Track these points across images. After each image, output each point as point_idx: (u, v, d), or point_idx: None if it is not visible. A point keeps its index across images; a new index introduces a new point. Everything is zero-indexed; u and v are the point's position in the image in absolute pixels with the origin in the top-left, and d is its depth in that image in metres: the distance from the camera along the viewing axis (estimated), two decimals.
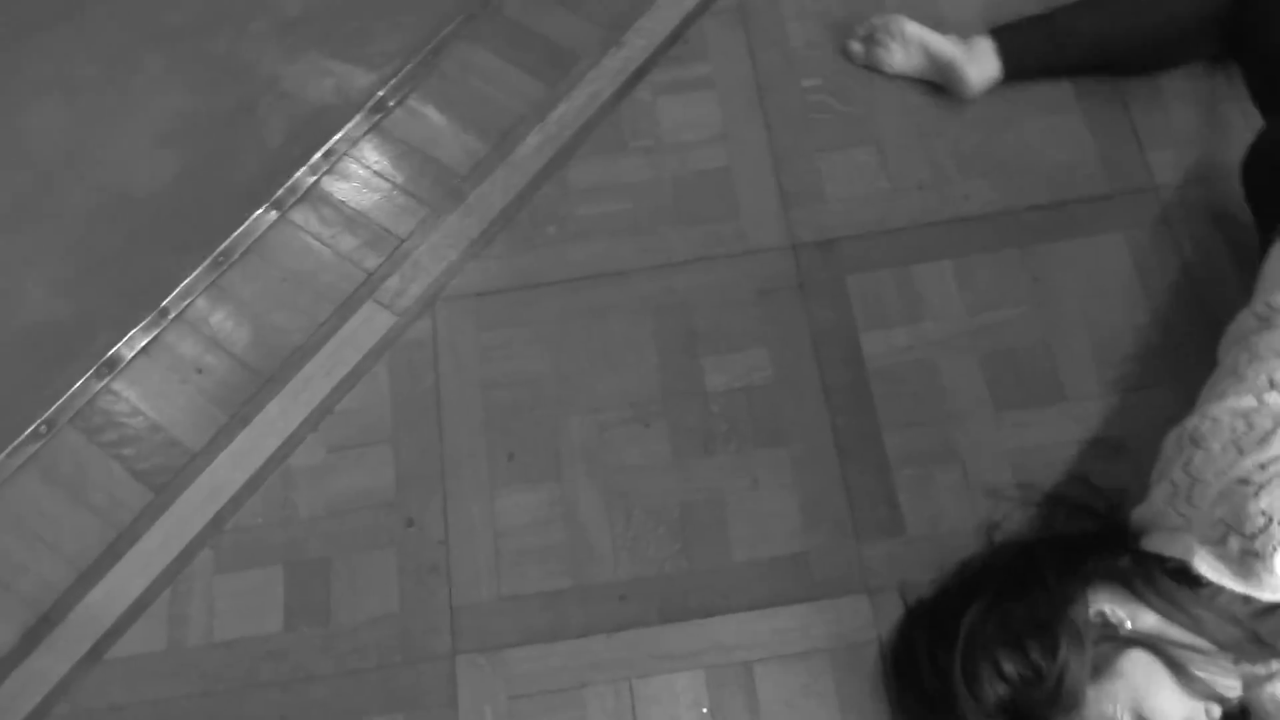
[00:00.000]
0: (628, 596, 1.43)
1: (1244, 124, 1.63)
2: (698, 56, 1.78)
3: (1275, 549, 1.04)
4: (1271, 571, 1.06)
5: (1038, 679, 1.16)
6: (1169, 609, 1.15)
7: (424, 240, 1.65)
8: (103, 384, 1.59)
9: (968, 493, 1.45)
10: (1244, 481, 1.07)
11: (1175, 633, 1.15)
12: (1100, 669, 1.15)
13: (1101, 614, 1.17)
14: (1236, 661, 1.16)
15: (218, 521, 1.50)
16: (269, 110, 1.79)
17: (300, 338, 1.60)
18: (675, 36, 1.78)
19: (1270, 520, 1.04)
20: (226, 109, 1.80)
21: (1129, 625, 1.16)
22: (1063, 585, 1.19)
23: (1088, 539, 1.27)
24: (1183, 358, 1.49)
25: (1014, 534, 1.37)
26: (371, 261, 1.65)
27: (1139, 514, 1.24)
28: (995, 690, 1.16)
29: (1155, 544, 1.18)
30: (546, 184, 1.69)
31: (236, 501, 1.51)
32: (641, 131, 1.72)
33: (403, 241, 1.66)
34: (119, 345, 1.61)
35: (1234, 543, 1.07)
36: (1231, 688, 1.15)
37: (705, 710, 1.36)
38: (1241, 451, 1.10)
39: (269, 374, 1.58)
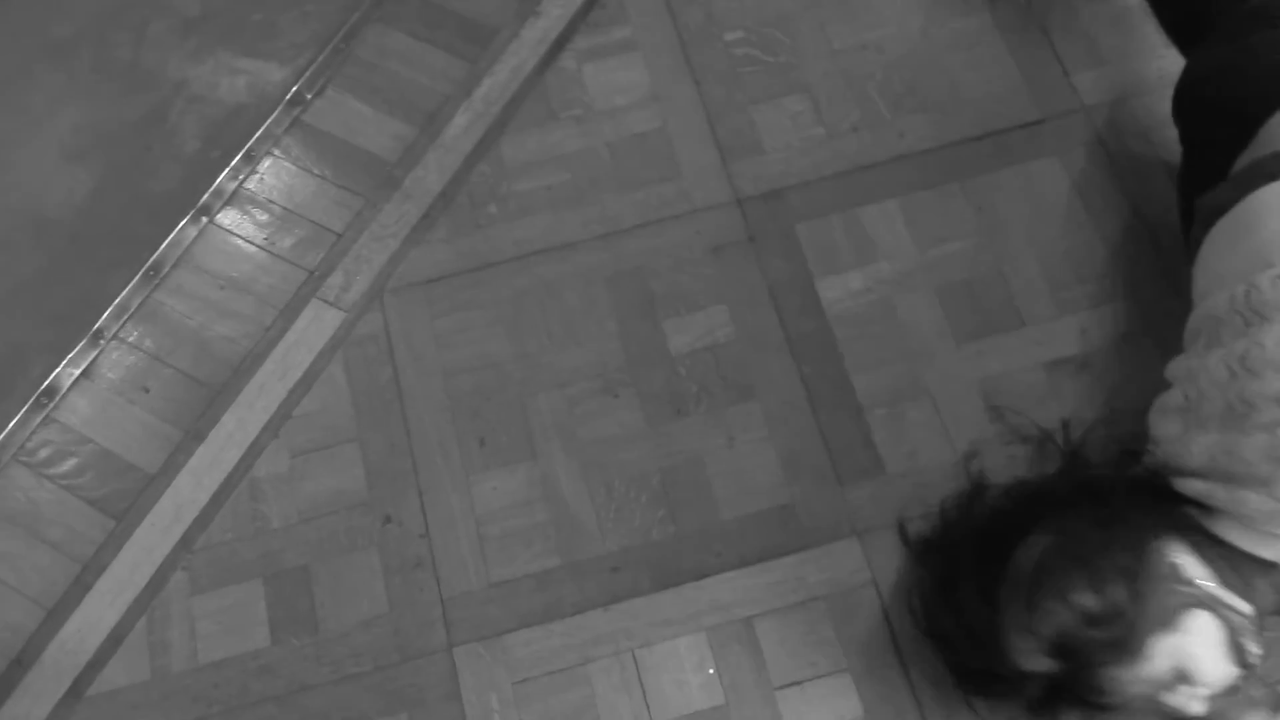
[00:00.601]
0: (619, 568, 1.41)
1: (1160, 40, 1.66)
2: (617, 20, 1.76)
3: None
4: None
5: (1107, 620, 1.12)
6: (1231, 576, 1.14)
7: (363, 232, 1.61)
8: (44, 414, 1.52)
9: (940, 427, 1.46)
10: None
11: (1228, 596, 1.14)
12: (1166, 622, 1.13)
13: (1175, 567, 1.14)
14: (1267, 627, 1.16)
15: (186, 542, 1.45)
16: (181, 115, 1.73)
17: (248, 344, 1.56)
18: (592, 1, 1.76)
19: None
20: (135, 118, 1.73)
21: (1206, 585, 1.13)
22: (1147, 529, 1.15)
23: (1152, 487, 1.22)
24: (1130, 272, 1.53)
25: (1073, 465, 1.32)
26: (311, 259, 1.60)
27: (1209, 493, 1.17)
28: (1057, 626, 1.13)
29: (1241, 540, 1.15)
30: (481, 162, 1.66)
31: (204, 519, 1.46)
32: (571, 101, 1.70)
33: (340, 235, 1.61)
34: (56, 373, 1.55)
35: None
36: (1257, 655, 1.15)
37: (712, 671, 1.36)
38: None
39: (220, 385, 1.53)
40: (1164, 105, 1.60)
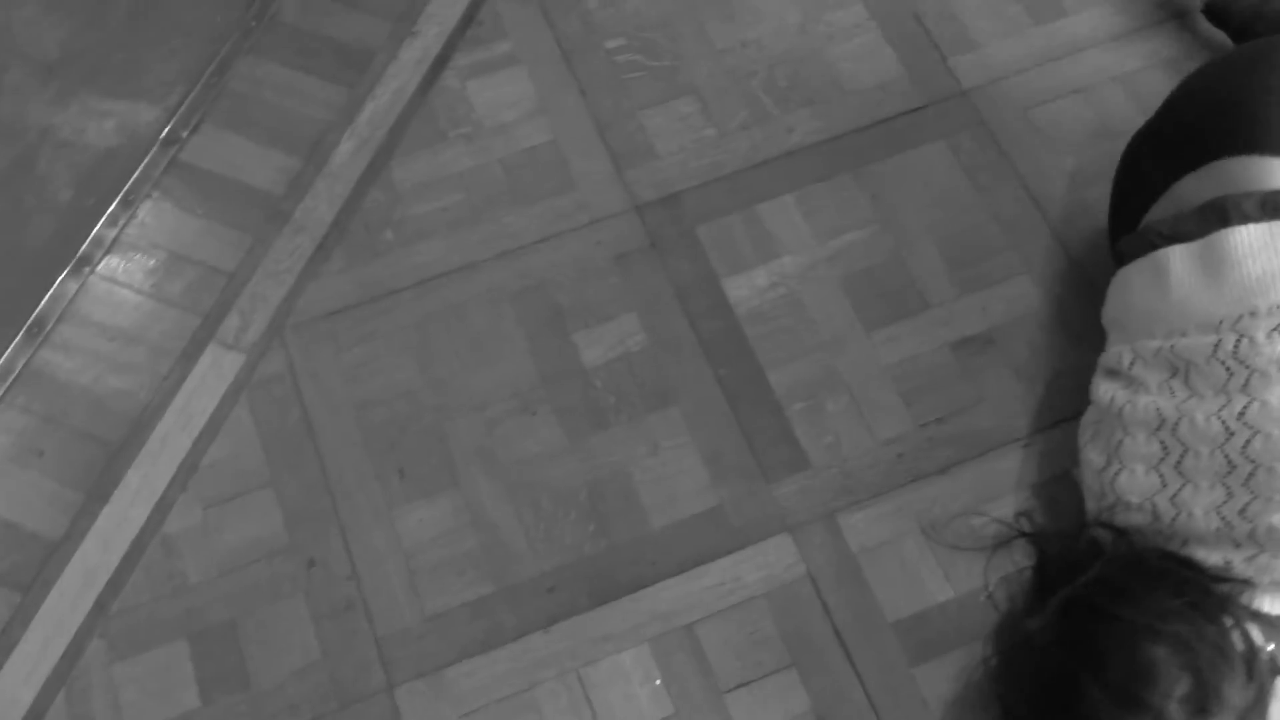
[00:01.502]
0: (555, 587, 1.40)
1: (1029, 20, 1.71)
2: (496, 35, 1.74)
3: None
4: None
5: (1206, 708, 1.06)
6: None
7: (256, 269, 1.56)
8: None
9: (859, 415, 1.48)
10: None
11: None
12: (1253, 708, 1.08)
13: (1271, 654, 1.10)
14: None
15: (100, 608, 1.39)
16: (50, 164, 1.65)
17: (145, 396, 1.50)
18: (469, 18, 1.74)
19: None
20: (0, 170, 1.65)
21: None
22: (1212, 615, 1.09)
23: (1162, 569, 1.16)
24: (1023, 246, 1.56)
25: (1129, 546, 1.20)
26: (204, 303, 1.55)
27: (1228, 564, 1.14)
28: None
29: (1275, 607, 1.12)
30: (372, 188, 1.62)
31: (116, 583, 1.40)
32: (458, 119, 1.67)
33: (232, 275, 1.56)
34: None
35: None
36: None
37: (658, 682, 1.35)
38: None
39: (119, 442, 1.47)
40: (1039, 82, 1.67)
